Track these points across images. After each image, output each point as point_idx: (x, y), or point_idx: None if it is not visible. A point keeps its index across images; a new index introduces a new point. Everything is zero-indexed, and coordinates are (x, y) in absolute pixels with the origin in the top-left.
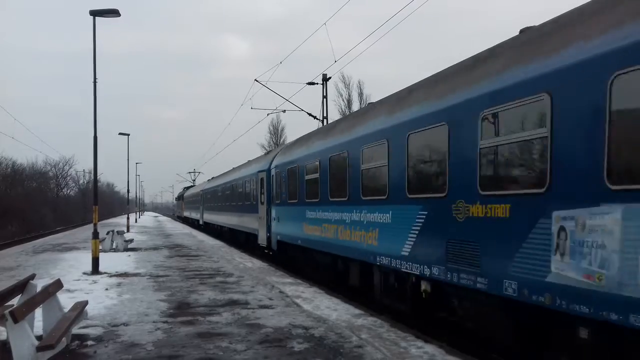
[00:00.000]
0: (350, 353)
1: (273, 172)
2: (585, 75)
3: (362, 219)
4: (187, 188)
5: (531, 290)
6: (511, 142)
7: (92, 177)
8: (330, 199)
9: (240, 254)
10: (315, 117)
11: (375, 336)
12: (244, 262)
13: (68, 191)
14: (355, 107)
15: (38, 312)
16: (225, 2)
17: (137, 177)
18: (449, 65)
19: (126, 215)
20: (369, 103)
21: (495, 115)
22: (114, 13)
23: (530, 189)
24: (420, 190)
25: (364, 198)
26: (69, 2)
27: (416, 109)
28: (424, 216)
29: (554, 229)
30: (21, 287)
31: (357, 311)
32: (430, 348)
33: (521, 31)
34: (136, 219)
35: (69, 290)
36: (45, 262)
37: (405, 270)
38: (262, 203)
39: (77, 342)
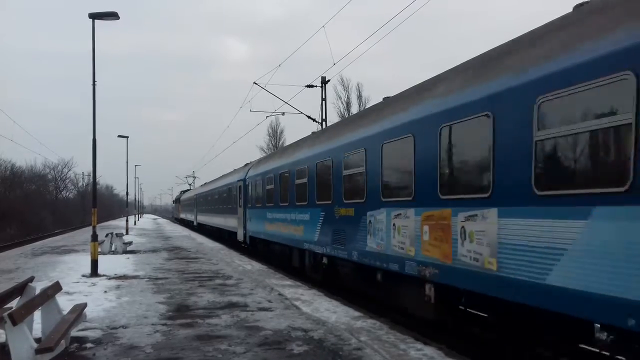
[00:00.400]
0: (349, 355)
1: (248, 181)
2: (379, 142)
3: (296, 218)
4: (184, 192)
5: (362, 256)
6: (352, 173)
7: (91, 180)
8: (280, 204)
9: (240, 256)
10: (314, 120)
11: (375, 338)
12: (243, 264)
13: (67, 194)
14: (355, 109)
15: (37, 315)
16: (225, 3)
17: (136, 179)
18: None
19: (125, 218)
20: (303, 137)
21: (347, 157)
22: (113, 16)
23: (360, 199)
24: (322, 199)
25: (297, 203)
26: (69, 3)
27: (319, 147)
28: (323, 215)
29: (368, 221)
30: (20, 289)
31: (357, 313)
32: (429, 350)
33: (383, 99)
34: (135, 222)
35: (67, 293)
36: (44, 265)
37: (316, 251)
38: (240, 206)
39: (76, 344)
